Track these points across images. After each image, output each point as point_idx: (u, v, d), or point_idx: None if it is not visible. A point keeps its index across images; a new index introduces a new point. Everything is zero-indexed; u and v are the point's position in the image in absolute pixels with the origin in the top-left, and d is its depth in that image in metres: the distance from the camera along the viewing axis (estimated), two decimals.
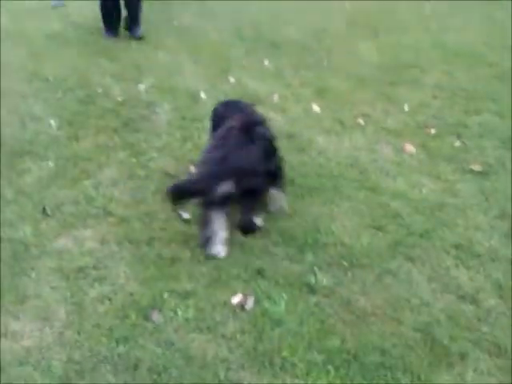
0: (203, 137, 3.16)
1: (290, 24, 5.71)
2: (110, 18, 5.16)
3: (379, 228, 2.48)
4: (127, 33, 5.22)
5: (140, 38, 5.11)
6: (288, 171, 2.60)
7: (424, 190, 2.80)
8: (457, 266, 2.26)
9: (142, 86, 4.03)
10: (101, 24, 5.19)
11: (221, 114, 2.55)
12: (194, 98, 3.88)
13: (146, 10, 5.41)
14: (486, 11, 6.37)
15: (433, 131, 3.47)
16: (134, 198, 2.68)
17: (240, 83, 4.16)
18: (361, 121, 3.59)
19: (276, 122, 3.45)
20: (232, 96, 3.65)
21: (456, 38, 5.36)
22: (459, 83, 4.24)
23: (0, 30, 5.10)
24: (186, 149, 3.18)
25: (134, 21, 5.16)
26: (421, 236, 2.43)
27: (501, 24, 5.83)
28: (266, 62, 4.60)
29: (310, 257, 2.27)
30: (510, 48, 5.00)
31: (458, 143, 3.31)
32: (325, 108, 3.76)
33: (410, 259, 2.29)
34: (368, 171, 2.98)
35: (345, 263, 2.24)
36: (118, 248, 2.31)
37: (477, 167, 3.01)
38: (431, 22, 5.90)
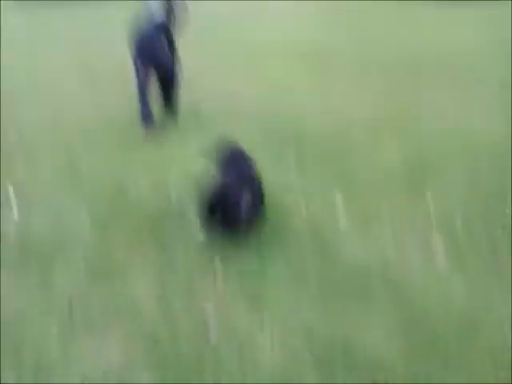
0: None
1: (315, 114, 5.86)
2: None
3: None
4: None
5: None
6: (311, 272, 2.56)
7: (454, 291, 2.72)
8: None
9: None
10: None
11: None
12: None
13: None
14: None
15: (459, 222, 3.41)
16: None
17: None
18: (387, 214, 3.57)
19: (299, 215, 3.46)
20: None
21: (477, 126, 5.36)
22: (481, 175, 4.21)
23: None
24: None
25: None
26: None
27: None
28: (291, 154, 4.65)
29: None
30: None
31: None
32: (350, 200, 3.77)
33: None
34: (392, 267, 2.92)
35: None
36: None
37: None
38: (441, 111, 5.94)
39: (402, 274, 2.87)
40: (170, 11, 5.41)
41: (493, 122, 5.46)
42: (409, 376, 2.16)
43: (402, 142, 4.93)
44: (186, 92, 5.54)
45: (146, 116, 5.32)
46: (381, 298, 2.66)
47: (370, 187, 4.03)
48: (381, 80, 7.21)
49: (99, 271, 2.98)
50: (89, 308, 2.63)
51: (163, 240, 3.29)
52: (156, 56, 5.29)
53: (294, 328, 2.48)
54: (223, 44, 9.69)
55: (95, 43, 9.80)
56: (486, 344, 2.30)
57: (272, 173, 3.89)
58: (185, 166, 4.35)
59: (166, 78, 5.44)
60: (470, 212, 3.58)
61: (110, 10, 13.25)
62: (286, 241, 3.23)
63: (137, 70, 5.29)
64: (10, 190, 3.91)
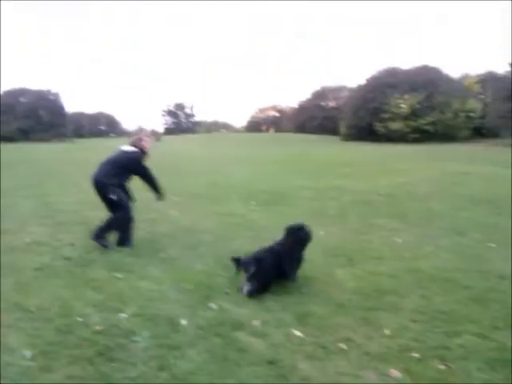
0: (180, 365, 3.06)
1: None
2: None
3: None
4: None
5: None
6: None
7: None
8: None
9: (122, 315, 4.05)
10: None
11: None
12: (174, 325, 3.87)
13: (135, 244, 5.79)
14: (454, 240, 6.82)
15: (416, 355, 3.42)
16: None
17: (222, 309, 4.20)
18: (343, 346, 3.55)
19: (257, 348, 3.40)
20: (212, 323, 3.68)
21: (429, 264, 5.63)
22: (437, 306, 4.32)
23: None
24: (162, 378, 3.05)
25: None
26: None
27: (470, 251, 6.21)
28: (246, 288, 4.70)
29: None
30: (481, 272, 5.26)
31: (442, 366, 3.24)
32: (306, 333, 3.75)
33: None
34: None
35: None
36: None
37: None
38: (404, 250, 6.25)
39: None
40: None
41: (442, 261, 5.77)
42: None
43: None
44: (150, 224, 5.79)
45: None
46: None
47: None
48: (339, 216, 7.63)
49: None
50: None
51: (106, 371, 3.11)
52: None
53: None
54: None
55: None
56: None
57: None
58: (140, 304, 4.28)
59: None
60: (426, 344, 3.60)
61: None
62: None
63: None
64: None
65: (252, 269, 4.55)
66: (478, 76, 49.42)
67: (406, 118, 43.94)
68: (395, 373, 3.16)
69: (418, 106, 43.85)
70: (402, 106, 44.14)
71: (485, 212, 8.94)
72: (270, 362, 3.25)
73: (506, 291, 4.69)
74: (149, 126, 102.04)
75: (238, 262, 4.70)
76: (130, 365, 3.22)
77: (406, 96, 44.13)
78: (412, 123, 43.58)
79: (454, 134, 43.10)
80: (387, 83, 46.42)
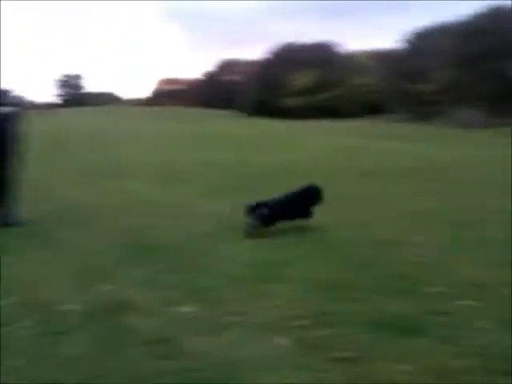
0: (64, 351, 2.93)
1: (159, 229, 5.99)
2: None
3: None
4: None
5: None
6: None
7: None
8: None
9: (2, 302, 3.79)
10: None
11: None
12: (59, 310, 3.69)
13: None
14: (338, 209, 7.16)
15: (304, 322, 3.55)
16: None
17: (111, 291, 4.07)
18: (235, 318, 3.60)
19: (145, 328, 3.35)
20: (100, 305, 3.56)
21: (318, 236, 5.88)
22: (326, 275, 4.52)
23: None
24: (42, 367, 2.91)
25: None
26: None
27: (361, 221, 6.55)
28: (137, 269, 4.62)
29: None
30: (374, 240, 5.58)
31: (327, 331, 3.40)
32: (197, 309, 3.75)
33: None
34: (241, 369, 2.90)
35: None
36: None
37: (346, 354, 3.07)
38: (296, 221, 6.47)
39: (247, 375, 2.84)
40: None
41: None
42: None
43: None
44: (45, 202, 5.52)
45: None
46: None
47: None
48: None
49: None
50: None
51: None
52: None
53: None
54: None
55: None
56: None
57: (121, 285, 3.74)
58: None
59: None
60: (313, 311, 3.76)
61: None
62: None
63: None
64: None
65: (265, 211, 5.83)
66: (374, 52, 51.60)
67: (304, 93, 45.10)
68: (284, 341, 3.26)
69: (315, 82, 45.15)
70: (301, 81, 45.21)
71: (375, 183, 9.49)
72: (159, 341, 3.21)
73: (388, 258, 5.04)
74: (42, 98, 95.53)
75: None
76: (10, 354, 3.02)
77: (305, 71, 45.22)
78: (311, 99, 44.84)
79: (351, 109, 45.04)
80: (286, 59, 47.20)
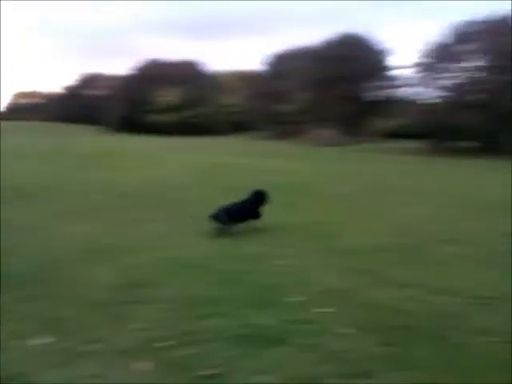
0: None
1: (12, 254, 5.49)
2: None
3: None
4: None
5: None
6: None
7: None
8: None
9: None
10: None
11: None
12: None
13: None
14: (210, 227, 7.17)
15: (169, 343, 3.44)
16: None
17: None
18: (93, 346, 3.36)
19: None
20: None
21: (186, 252, 5.80)
22: (192, 293, 4.45)
23: None
24: None
25: None
26: None
27: (225, 236, 6.61)
28: None
29: None
30: (234, 255, 5.65)
31: (193, 350, 3.33)
32: (52, 340, 3.45)
33: None
34: None
35: None
36: None
37: (210, 371, 3.02)
38: (161, 241, 6.34)
39: None
40: None
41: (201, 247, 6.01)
42: None
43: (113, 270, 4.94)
44: None
45: None
46: None
47: None
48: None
49: None
50: None
51: None
52: None
53: None
54: None
55: None
56: None
57: None
58: None
59: None
60: (177, 331, 3.66)
61: None
62: None
63: None
64: None
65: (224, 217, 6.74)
66: (239, 72, 53.16)
67: (171, 110, 44.87)
68: (147, 365, 3.12)
69: (182, 100, 45.19)
70: (168, 98, 44.93)
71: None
72: (11, 378, 2.88)
73: (252, 271, 5.11)
74: None
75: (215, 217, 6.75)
76: None
77: (171, 89, 45.06)
78: (177, 116, 44.72)
79: (217, 127, 45.75)
80: (152, 75, 46.62)
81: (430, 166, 18.93)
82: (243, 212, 7.04)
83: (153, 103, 45.26)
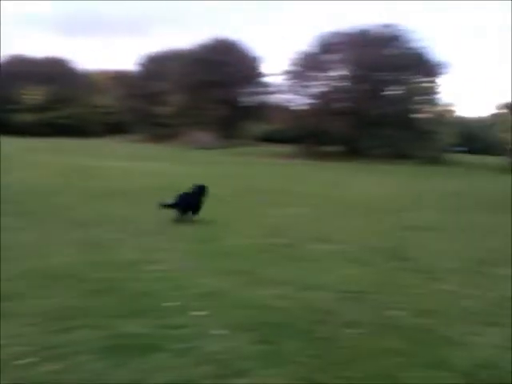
0: None
1: None
2: None
3: None
4: None
5: None
6: None
7: None
8: None
9: None
10: None
11: None
12: None
13: None
14: (82, 233, 6.77)
15: (30, 360, 3.16)
16: None
17: None
18: None
19: None
20: None
21: (55, 261, 5.41)
22: (56, 305, 4.14)
23: None
24: None
25: None
26: None
27: (99, 243, 6.28)
28: None
29: None
30: (110, 263, 5.42)
31: (56, 366, 3.09)
32: None
33: None
34: None
35: None
36: None
37: None
38: (29, 250, 5.84)
39: None
40: None
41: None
42: None
43: None
44: None
45: None
46: None
47: None
48: None
49: None
50: None
51: None
52: None
53: None
54: None
55: None
56: None
57: None
58: None
59: None
60: (39, 346, 3.38)
61: None
62: None
63: None
64: None
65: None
66: (112, 72, 51.10)
67: (37, 110, 41.89)
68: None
69: (50, 99, 42.41)
70: (34, 97, 41.89)
71: (114, 204, 9.29)
72: None
73: (123, 279, 4.91)
74: None
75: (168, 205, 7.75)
76: None
77: (37, 87, 42.05)
78: (44, 116, 41.90)
79: (90, 128, 43.67)
80: (16, 72, 43.09)
81: (301, 169, 19.89)
82: (192, 204, 7.88)
83: (17, 102, 41.82)
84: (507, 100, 28.89)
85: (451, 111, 28.18)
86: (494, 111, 39.44)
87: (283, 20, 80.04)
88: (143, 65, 41.99)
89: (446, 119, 26.57)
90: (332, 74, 27.13)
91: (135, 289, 4.63)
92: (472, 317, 4.30)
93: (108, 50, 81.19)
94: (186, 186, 8.25)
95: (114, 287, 4.66)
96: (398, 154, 24.15)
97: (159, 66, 39.67)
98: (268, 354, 3.43)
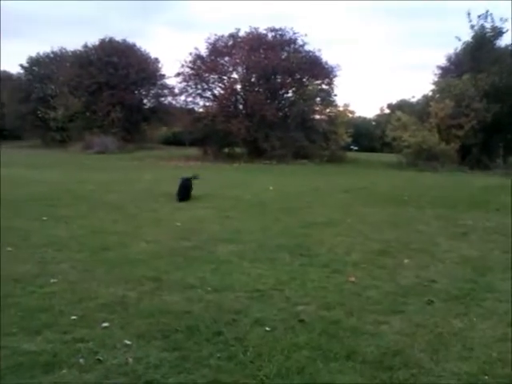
0: None
1: None
2: None
3: None
4: None
5: None
6: None
7: None
8: None
9: None
10: None
11: None
12: None
13: None
14: None
15: None
16: None
17: None
18: None
19: None
20: None
21: None
22: None
23: None
24: None
25: None
26: None
27: None
28: None
29: None
30: None
31: None
32: None
33: None
34: None
35: None
36: None
37: None
38: None
39: None
40: None
41: None
42: None
43: None
44: None
45: None
46: None
47: None
48: None
49: None
50: None
51: None
52: None
53: None
54: None
55: None
56: None
57: None
58: None
59: None
60: None
61: None
62: None
63: None
64: None
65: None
66: None
67: None
68: None
69: None
70: None
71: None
72: None
73: (21, 294, 4.58)
74: None
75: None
76: None
77: None
78: None
79: None
80: None
81: (207, 171, 19.83)
82: (185, 192, 10.63)
83: None
84: (390, 101, 30.91)
85: (346, 111, 29.51)
86: (379, 112, 42.69)
87: (175, 21, 78.63)
88: (27, 67, 39.28)
89: (341, 119, 27.79)
90: (228, 76, 27.35)
91: (33, 305, 4.32)
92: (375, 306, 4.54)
93: None
94: (76, 193, 7.82)
95: (9, 303, 4.33)
96: (300, 154, 24.93)
97: (45, 68, 37.43)
98: (179, 360, 3.39)
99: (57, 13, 71.05)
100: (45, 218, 8.14)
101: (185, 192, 10.67)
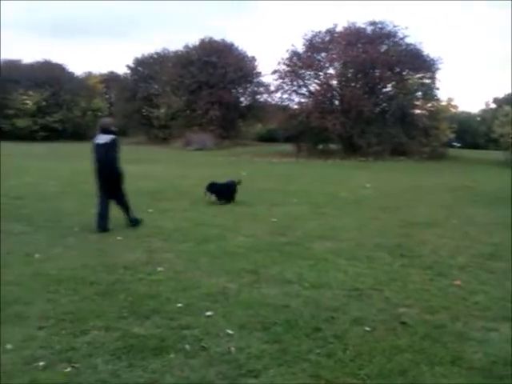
0: None
1: None
2: None
3: None
4: None
5: None
6: None
7: None
8: None
9: None
10: None
11: None
12: None
13: None
14: (82, 237, 6.75)
15: (42, 363, 3.17)
16: None
17: None
18: None
19: None
20: None
21: (57, 265, 5.38)
22: (64, 308, 4.15)
23: None
24: None
25: None
26: None
27: (97, 246, 6.25)
28: None
29: None
30: (107, 265, 5.36)
31: (69, 369, 3.09)
32: None
33: None
34: None
35: None
36: None
37: None
38: (30, 254, 5.81)
39: None
40: None
41: (68, 261, 5.62)
42: None
43: None
44: None
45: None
46: None
47: None
48: None
49: None
50: None
51: None
52: None
53: None
54: None
55: None
56: None
57: None
58: None
59: None
60: (52, 350, 3.36)
61: None
62: None
63: None
64: None
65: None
66: (102, 76, 50.71)
67: (32, 114, 41.62)
68: None
69: (44, 103, 42.16)
70: (27, 102, 41.62)
71: None
72: None
73: (130, 281, 4.90)
74: None
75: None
76: None
77: (31, 92, 41.78)
78: (40, 120, 41.64)
79: (84, 132, 43.42)
80: (8, 77, 42.73)
81: (302, 167, 19.85)
82: (225, 193, 9.95)
83: (13, 107, 41.51)
84: (497, 95, 28.66)
85: (448, 106, 28.05)
86: (484, 107, 39.80)
87: (269, 20, 79.61)
88: (133, 68, 41.73)
89: (443, 114, 26.50)
90: (324, 72, 27.09)
91: (141, 291, 4.61)
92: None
93: (92, 54, 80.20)
94: (177, 188, 8.17)
95: (119, 289, 4.65)
96: (397, 151, 24.09)
97: (149, 68, 39.51)
98: (278, 353, 3.45)
99: (158, 13, 74.78)
100: (150, 211, 8.62)
101: (228, 193, 10.02)
